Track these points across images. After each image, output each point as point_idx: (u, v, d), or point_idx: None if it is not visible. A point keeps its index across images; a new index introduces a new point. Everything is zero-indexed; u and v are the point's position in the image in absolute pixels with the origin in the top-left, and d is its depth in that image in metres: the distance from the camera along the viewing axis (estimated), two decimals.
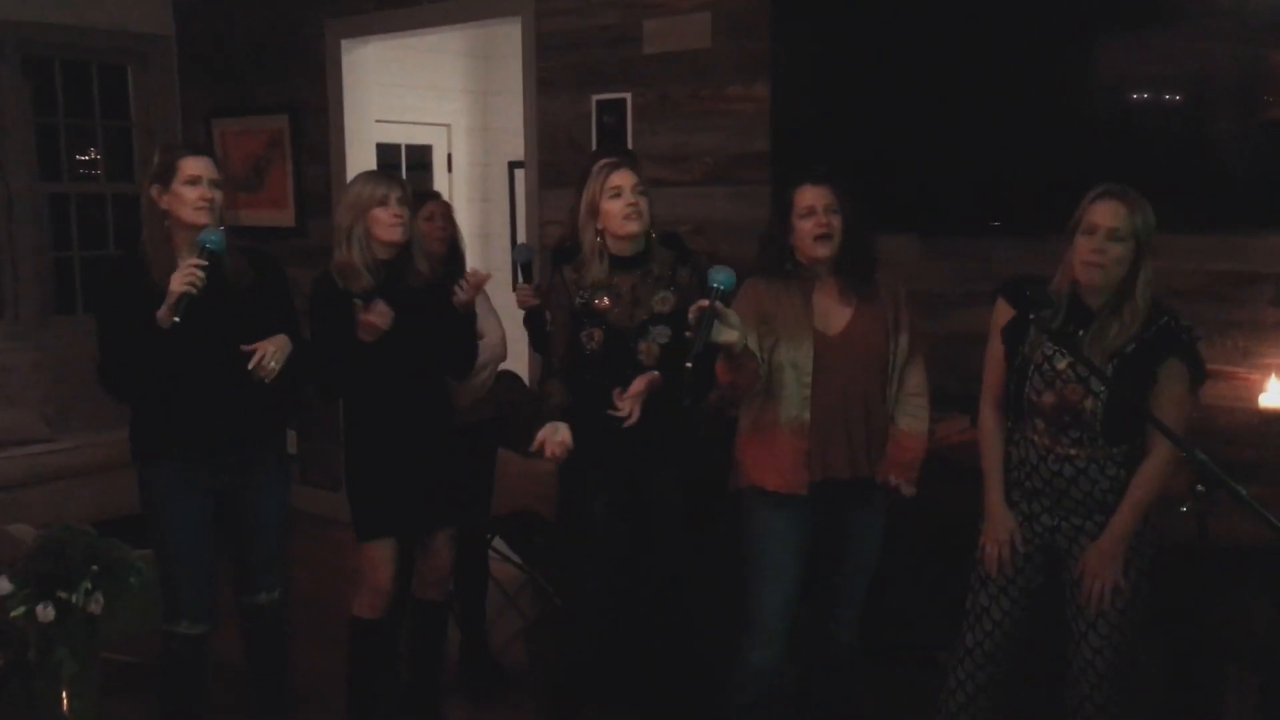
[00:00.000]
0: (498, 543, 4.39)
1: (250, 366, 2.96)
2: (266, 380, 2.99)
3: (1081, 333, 2.59)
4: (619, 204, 3.08)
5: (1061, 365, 2.62)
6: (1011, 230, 3.62)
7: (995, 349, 2.79)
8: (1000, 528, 2.77)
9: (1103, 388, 2.55)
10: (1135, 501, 2.62)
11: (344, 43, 5.54)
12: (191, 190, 2.98)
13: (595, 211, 3.11)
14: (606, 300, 3.12)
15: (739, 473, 3.01)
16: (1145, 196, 2.58)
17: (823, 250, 2.85)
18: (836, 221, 2.85)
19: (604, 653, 3.51)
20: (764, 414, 2.92)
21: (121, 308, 3.00)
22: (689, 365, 2.55)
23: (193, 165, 3.00)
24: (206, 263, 2.87)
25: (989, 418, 2.83)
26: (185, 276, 2.84)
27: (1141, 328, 2.56)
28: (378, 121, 5.84)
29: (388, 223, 3.16)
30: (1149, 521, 2.67)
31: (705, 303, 2.56)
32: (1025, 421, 2.72)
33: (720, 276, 2.58)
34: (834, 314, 2.90)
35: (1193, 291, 3.41)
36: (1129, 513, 2.62)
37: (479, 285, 3.24)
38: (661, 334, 3.14)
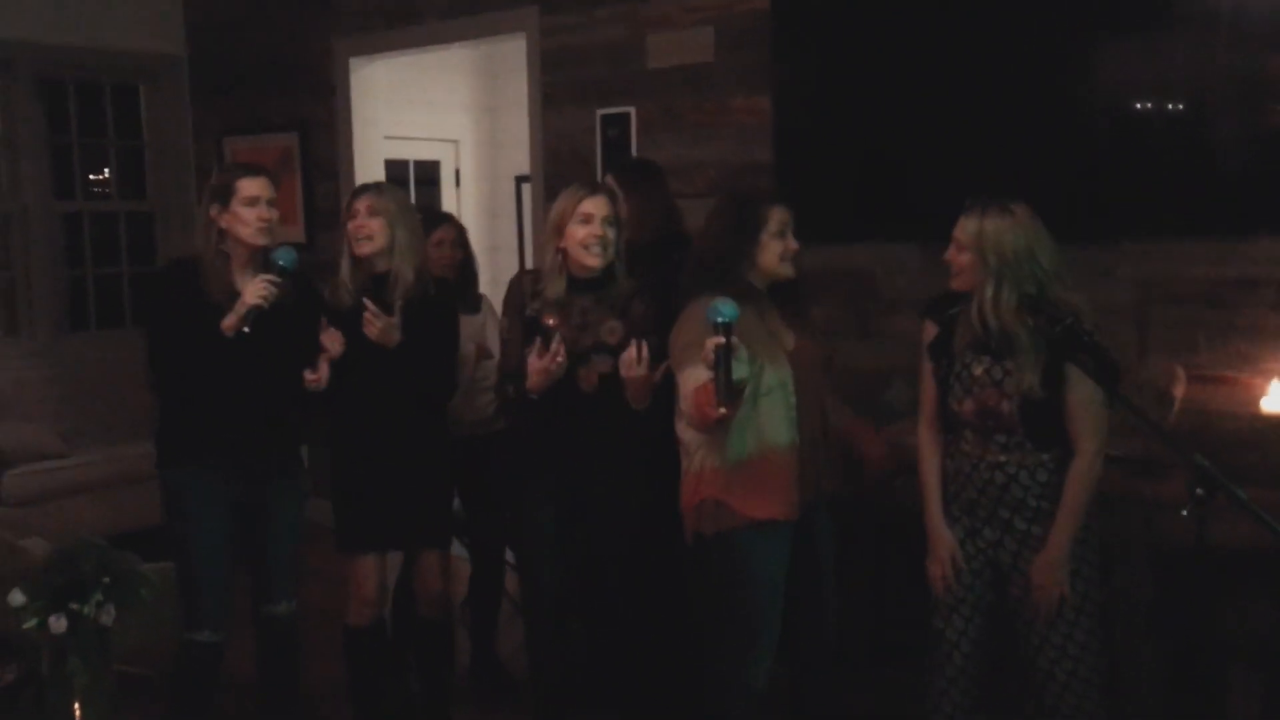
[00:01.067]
0: (506, 554, 4.41)
1: (225, 323, 2.98)
2: (245, 327, 2.97)
3: (992, 341, 2.66)
4: (584, 231, 3.01)
5: (978, 371, 2.67)
6: None
7: (925, 367, 2.84)
8: (940, 545, 2.80)
9: (1016, 391, 2.61)
10: (1069, 508, 2.64)
11: (352, 61, 5.60)
12: (250, 210, 3.05)
13: (560, 231, 3.05)
14: (552, 320, 2.98)
15: (722, 513, 2.82)
16: (1141, 201, 2.62)
17: (788, 270, 2.88)
18: (795, 244, 2.89)
19: (589, 656, 3.52)
20: (752, 443, 2.79)
21: (177, 309, 3.07)
22: (724, 411, 2.51)
23: (250, 186, 3.07)
24: (279, 280, 2.96)
25: (923, 436, 2.87)
26: (259, 290, 2.94)
27: (1048, 327, 2.56)
28: (386, 138, 5.90)
29: (352, 234, 3.23)
30: (1089, 525, 2.70)
31: (720, 340, 2.46)
32: (957, 434, 2.76)
33: (726, 310, 2.48)
34: (783, 332, 2.89)
35: (1193, 296, 3.43)
36: (1065, 520, 2.65)
37: (370, 322, 3.14)
38: (603, 363, 3.03)
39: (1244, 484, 2.69)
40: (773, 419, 2.80)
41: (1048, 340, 2.58)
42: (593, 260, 3.02)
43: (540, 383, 2.96)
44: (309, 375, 3.11)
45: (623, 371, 2.88)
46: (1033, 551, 2.68)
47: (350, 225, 3.24)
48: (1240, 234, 3.33)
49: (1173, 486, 3.00)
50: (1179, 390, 3.24)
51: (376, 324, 3.10)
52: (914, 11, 3.78)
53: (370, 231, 3.22)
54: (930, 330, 2.82)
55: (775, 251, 2.84)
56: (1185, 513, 2.60)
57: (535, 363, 2.93)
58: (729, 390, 2.48)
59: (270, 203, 3.09)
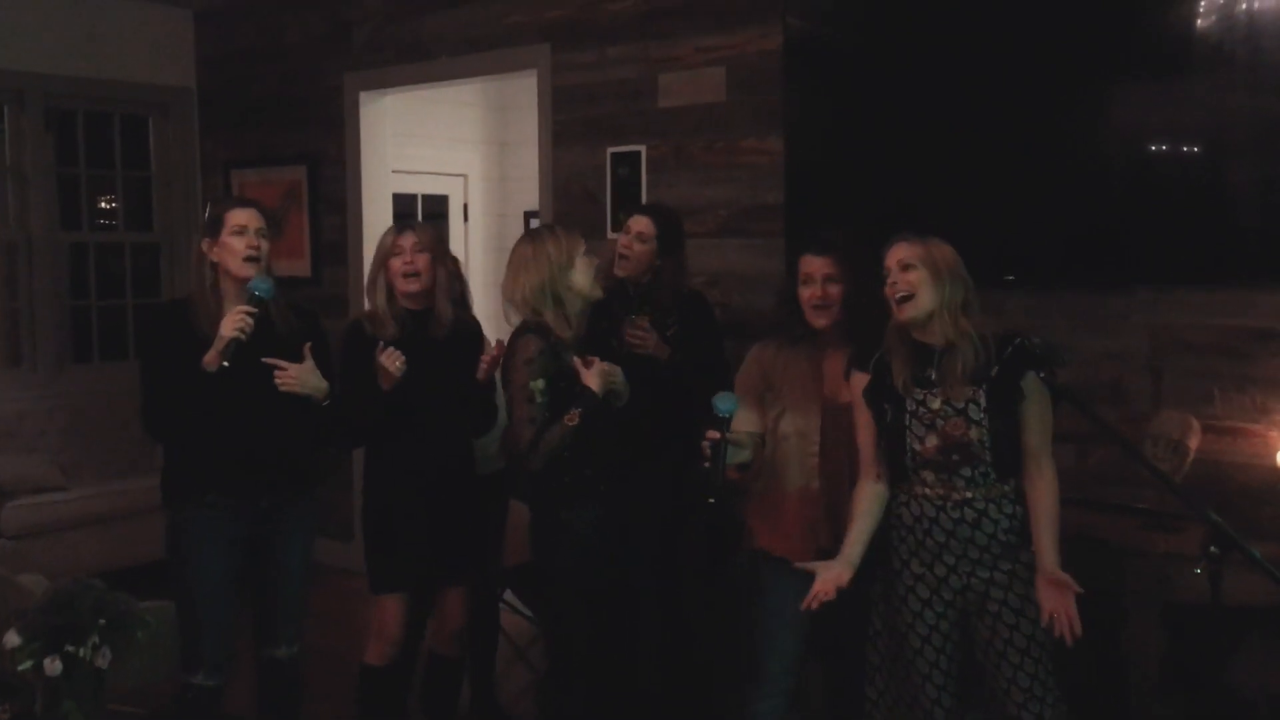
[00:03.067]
0: (508, 595, 4.37)
1: (276, 380, 2.99)
2: (224, 361, 2.93)
3: (931, 372, 2.65)
4: (398, 262, 3.25)
5: (936, 405, 2.63)
6: (1025, 283, 3.61)
7: (862, 417, 2.77)
8: (840, 566, 2.66)
9: (982, 415, 2.60)
10: (1051, 517, 2.63)
11: (362, 95, 5.61)
12: (238, 240, 3.03)
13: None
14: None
15: (748, 535, 3.01)
16: (1156, 249, 2.61)
17: (820, 320, 2.87)
18: (835, 291, 2.85)
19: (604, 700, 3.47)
20: (769, 482, 2.93)
21: (168, 352, 3.05)
22: (712, 501, 2.61)
23: (239, 216, 3.06)
24: (255, 310, 2.93)
25: (861, 488, 2.75)
26: (235, 322, 2.90)
27: (997, 350, 2.63)
28: (394, 172, 5.90)
29: (400, 272, 3.22)
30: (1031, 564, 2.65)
31: (716, 434, 2.63)
32: (911, 479, 2.69)
33: (725, 405, 2.66)
34: (843, 383, 2.87)
35: (1208, 346, 3.40)
36: (1049, 530, 2.62)
37: (497, 360, 3.25)
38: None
39: (1259, 538, 2.67)
40: (786, 464, 2.88)
41: (999, 357, 2.62)
42: (411, 286, 3.23)
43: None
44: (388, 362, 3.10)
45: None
46: (1000, 589, 2.64)
47: (396, 262, 3.23)
48: (1257, 284, 3.31)
49: (1186, 539, 2.97)
50: (1193, 441, 3.20)
51: (398, 358, 3.10)
52: (927, 54, 3.78)
53: (419, 268, 3.23)
54: (859, 381, 2.76)
55: (804, 301, 2.88)
56: (1200, 570, 2.58)
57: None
58: (722, 483, 2.63)
59: (259, 233, 3.07)
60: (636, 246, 3.58)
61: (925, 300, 2.63)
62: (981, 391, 2.62)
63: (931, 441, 2.64)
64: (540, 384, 3.01)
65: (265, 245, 3.08)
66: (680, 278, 3.71)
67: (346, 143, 5.69)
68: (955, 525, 2.64)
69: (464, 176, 7.08)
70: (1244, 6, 3.24)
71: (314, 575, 3.38)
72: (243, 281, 3.02)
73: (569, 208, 4.83)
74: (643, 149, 4.58)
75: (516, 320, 3.14)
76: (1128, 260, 3.46)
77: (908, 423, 2.66)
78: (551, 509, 3.13)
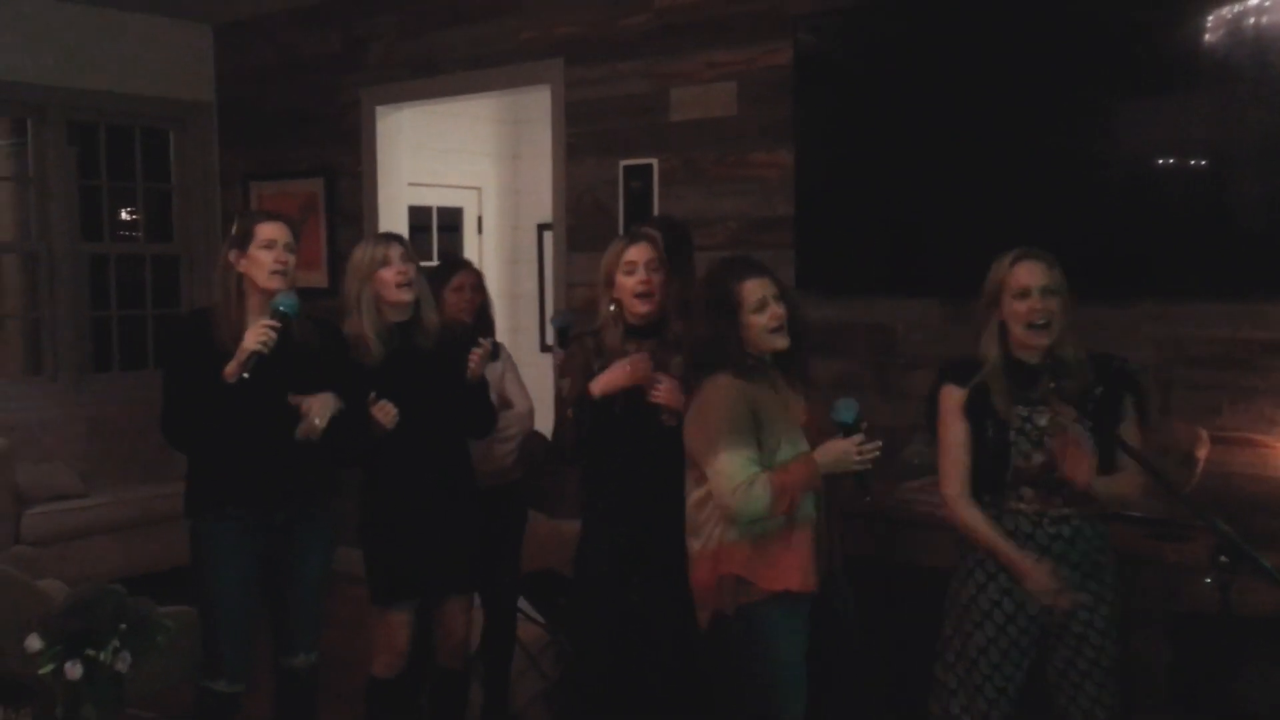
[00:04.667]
0: (521, 603, 4.39)
1: (298, 434, 3.02)
2: (314, 438, 3.03)
3: (1035, 390, 2.68)
4: (632, 280, 3.06)
5: (1043, 422, 2.66)
6: None
7: (956, 432, 2.75)
8: (1036, 564, 2.66)
9: (1087, 434, 2.61)
10: (1117, 479, 2.65)
11: (379, 109, 5.68)
12: (267, 254, 3.05)
13: (611, 283, 3.11)
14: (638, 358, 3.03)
15: (743, 589, 2.75)
16: (1164, 261, 2.68)
17: (781, 342, 2.78)
18: (783, 311, 2.78)
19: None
20: (779, 517, 2.72)
21: (189, 363, 3.07)
22: (869, 500, 2.76)
23: (269, 230, 3.07)
24: (279, 324, 2.96)
25: (964, 502, 2.75)
26: (258, 335, 2.93)
27: (1098, 370, 2.67)
28: (410, 185, 5.96)
29: (393, 282, 3.21)
30: (1117, 586, 2.71)
31: (860, 439, 2.65)
32: (1006, 495, 2.71)
33: (849, 414, 2.66)
34: (794, 404, 2.83)
35: (1217, 359, 3.41)
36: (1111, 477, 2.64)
37: (484, 358, 3.28)
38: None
39: (1269, 549, 2.67)
40: None
41: (1102, 377, 2.66)
42: (643, 307, 3.07)
43: (619, 381, 3.01)
44: (381, 416, 3.13)
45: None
46: (1087, 611, 2.66)
47: (388, 273, 3.21)
48: (1265, 296, 3.33)
49: (1194, 549, 2.97)
50: (1202, 452, 3.21)
51: (393, 415, 3.14)
52: (936, 69, 3.81)
53: (410, 276, 3.24)
54: (954, 394, 2.76)
55: (760, 327, 2.76)
56: (1209, 580, 2.59)
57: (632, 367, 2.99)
58: (868, 483, 2.69)
59: (288, 247, 3.09)
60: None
61: (1057, 328, 2.65)
62: (1087, 410, 2.65)
63: (1038, 459, 2.65)
64: (565, 382, 3.10)
65: (292, 260, 3.11)
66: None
67: (363, 156, 5.75)
68: (1051, 541, 2.66)
69: (478, 189, 7.14)
70: (1251, 21, 3.26)
71: (333, 584, 3.41)
72: (268, 295, 3.05)
73: (581, 220, 4.88)
74: (655, 162, 4.63)
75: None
76: (1136, 273, 3.48)
77: (1013, 439, 2.67)
78: (594, 518, 3.19)
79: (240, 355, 2.94)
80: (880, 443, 2.66)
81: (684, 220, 3.99)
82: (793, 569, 2.74)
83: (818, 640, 2.84)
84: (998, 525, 2.73)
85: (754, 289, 2.76)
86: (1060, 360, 2.66)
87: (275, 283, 3.06)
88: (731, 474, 2.64)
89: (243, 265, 3.08)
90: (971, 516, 2.75)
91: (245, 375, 2.93)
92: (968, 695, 2.77)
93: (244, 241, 3.08)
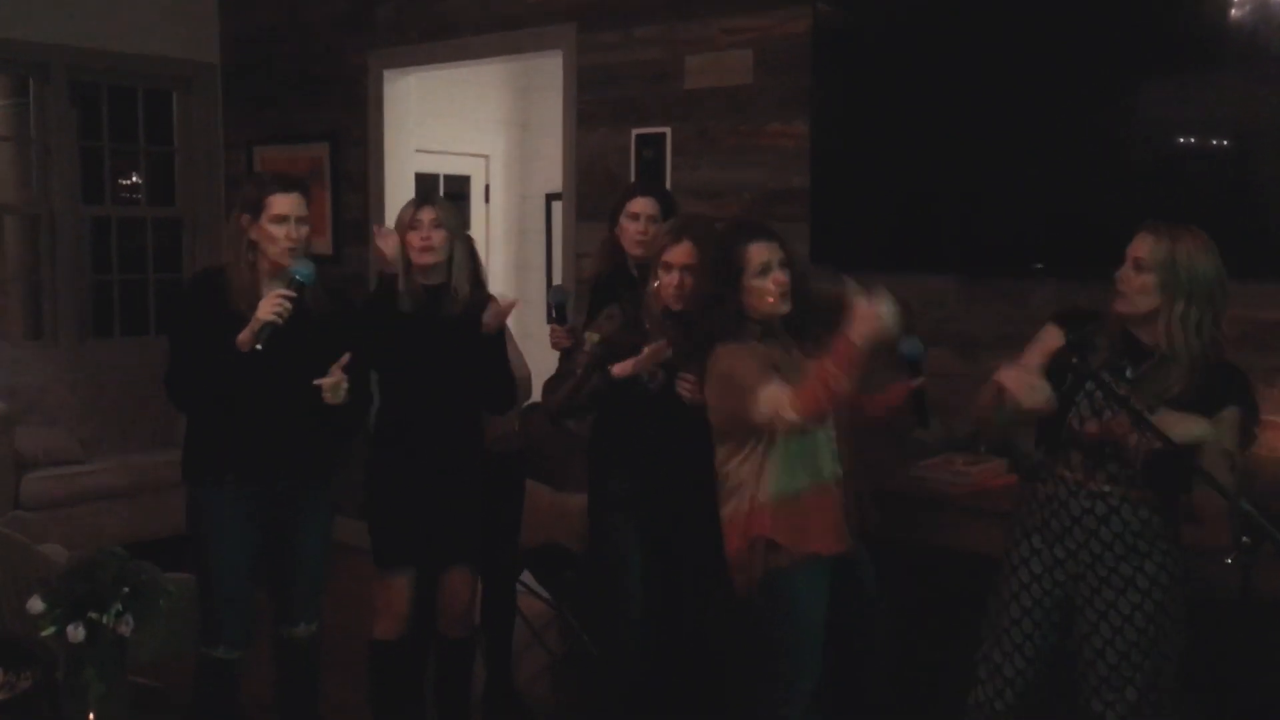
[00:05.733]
0: (525, 577, 4.36)
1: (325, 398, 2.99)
2: (336, 401, 3.00)
3: (1129, 372, 2.56)
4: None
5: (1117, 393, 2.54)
6: (1054, 273, 3.59)
7: (1031, 356, 2.68)
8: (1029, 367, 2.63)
9: (1151, 429, 2.48)
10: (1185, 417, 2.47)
11: (386, 73, 5.60)
12: (279, 228, 3.00)
13: (658, 263, 3.11)
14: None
15: (771, 552, 2.76)
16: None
17: (784, 306, 2.77)
18: (786, 276, 2.77)
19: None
20: (804, 478, 2.76)
21: (199, 325, 3.04)
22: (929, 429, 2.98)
23: (282, 203, 3.02)
24: (294, 294, 2.91)
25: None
26: (273, 306, 2.88)
27: (1209, 380, 2.51)
28: (417, 151, 5.89)
29: (416, 245, 3.21)
30: (1179, 576, 2.61)
31: (913, 384, 2.85)
32: (1058, 454, 2.66)
33: (913, 349, 2.85)
34: (804, 366, 2.78)
35: (1238, 339, 3.33)
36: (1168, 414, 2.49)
37: (506, 311, 3.29)
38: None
39: None
40: (822, 452, 2.80)
41: (1209, 387, 2.50)
42: (675, 305, 3.04)
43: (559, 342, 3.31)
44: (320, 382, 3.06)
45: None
46: (1113, 591, 2.60)
47: (413, 235, 3.22)
48: None
49: (1216, 531, 2.93)
50: None
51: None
52: (957, 40, 3.75)
53: (434, 243, 3.22)
54: (1053, 334, 2.67)
55: (762, 292, 2.75)
56: (1230, 560, 2.55)
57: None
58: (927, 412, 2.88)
59: (300, 220, 3.05)
60: (650, 229, 3.42)
61: (1143, 305, 2.52)
62: (1170, 401, 2.50)
63: (1091, 427, 2.59)
64: (596, 338, 3.09)
65: (305, 232, 3.06)
66: None
67: (369, 121, 5.68)
68: (1082, 514, 2.62)
69: (486, 157, 7.07)
70: None
71: (336, 555, 3.39)
72: (281, 265, 3.01)
73: (592, 189, 4.81)
74: (668, 131, 4.56)
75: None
76: None
77: (1078, 398, 2.61)
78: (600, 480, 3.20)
79: (254, 325, 2.89)
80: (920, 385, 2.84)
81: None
82: (821, 531, 2.76)
83: (838, 610, 2.84)
84: (1030, 486, 2.74)
85: (759, 252, 2.75)
86: (1164, 352, 2.52)
87: (286, 259, 3.01)
88: (778, 391, 2.62)
89: (254, 233, 3.03)
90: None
91: (259, 346, 2.88)
92: (989, 644, 2.79)
93: (256, 210, 3.03)
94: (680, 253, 3.03)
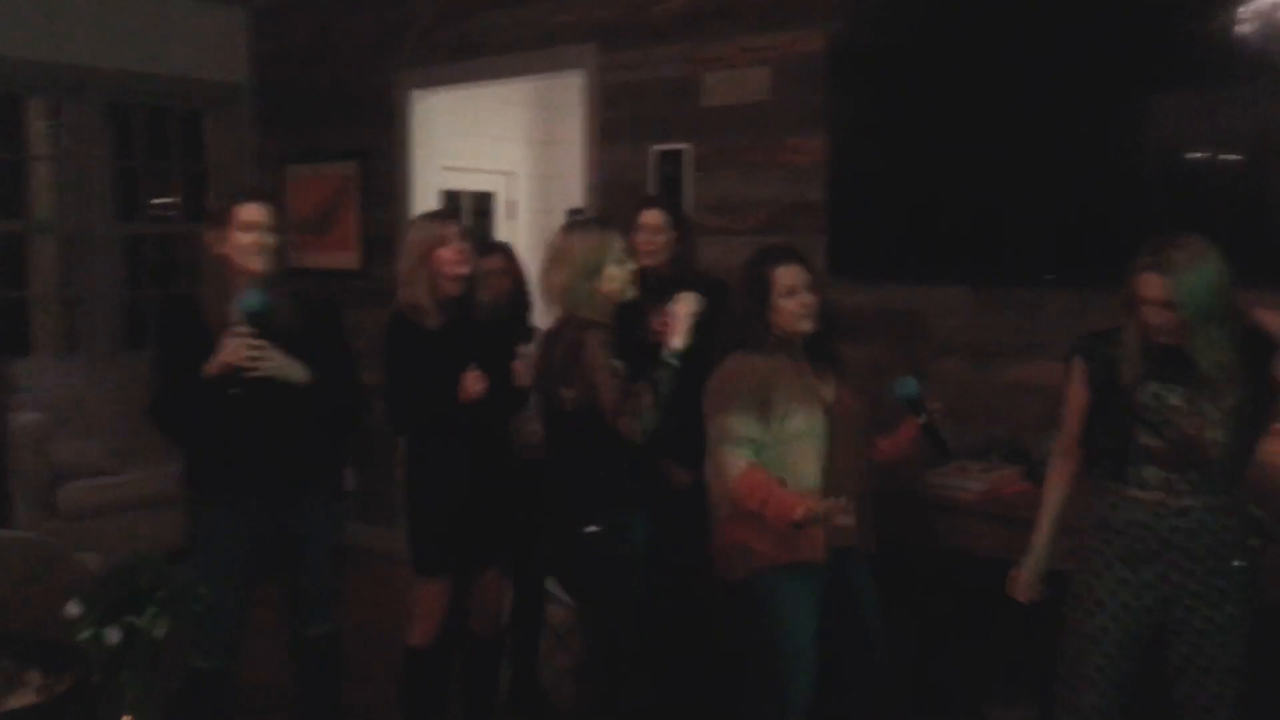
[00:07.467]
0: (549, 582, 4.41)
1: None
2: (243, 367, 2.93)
3: (1172, 368, 2.53)
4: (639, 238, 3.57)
5: (1175, 400, 2.52)
6: (1066, 283, 3.63)
7: (1075, 397, 2.70)
8: (1028, 570, 2.78)
9: (1224, 417, 2.47)
10: None
11: (415, 92, 5.70)
12: (246, 235, 2.99)
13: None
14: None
15: (747, 558, 2.92)
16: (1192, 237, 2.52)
17: (807, 325, 2.95)
18: (815, 298, 2.96)
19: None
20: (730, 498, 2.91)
21: (175, 349, 3.06)
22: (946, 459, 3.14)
23: (248, 212, 3.01)
24: (257, 333, 2.90)
25: (1057, 463, 2.79)
26: (235, 353, 2.87)
27: (1252, 349, 2.49)
28: (444, 169, 5.98)
29: (452, 260, 3.27)
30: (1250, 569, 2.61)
31: (918, 423, 2.97)
32: (1128, 474, 2.59)
33: (910, 389, 2.96)
34: (822, 385, 2.97)
35: None
36: None
37: (528, 370, 3.34)
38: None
39: None
40: (801, 464, 2.88)
41: (1254, 356, 2.49)
42: (645, 261, 3.41)
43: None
44: (471, 385, 3.19)
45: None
46: (1209, 606, 2.55)
47: (448, 252, 3.27)
48: None
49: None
50: None
51: (483, 382, 3.21)
52: (969, 56, 3.80)
53: (465, 257, 3.30)
54: (1079, 365, 2.69)
55: (788, 311, 2.93)
56: (1237, 564, 2.58)
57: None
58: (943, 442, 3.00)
59: (269, 229, 3.02)
60: (657, 240, 3.68)
61: (1175, 336, 2.49)
62: (1230, 391, 2.48)
63: (1165, 437, 2.52)
64: (619, 363, 3.09)
65: (275, 241, 3.03)
66: (697, 263, 3.82)
67: (398, 139, 5.78)
68: (1171, 533, 2.54)
69: (510, 174, 7.16)
70: None
71: (359, 560, 3.44)
72: (252, 277, 3.00)
73: (614, 205, 4.88)
74: (687, 147, 4.63)
75: (555, 311, 3.19)
76: None
77: (1139, 415, 2.55)
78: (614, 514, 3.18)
79: (224, 367, 2.89)
80: (926, 421, 2.96)
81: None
82: (796, 541, 2.83)
83: (831, 624, 2.90)
84: (1059, 505, 2.78)
85: (785, 275, 2.95)
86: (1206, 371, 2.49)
87: (255, 265, 3.00)
88: (737, 460, 2.84)
89: (222, 247, 3.03)
90: (1049, 483, 2.82)
91: (236, 391, 2.88)
92: (1070, 687, 2.70)
93: (222, 222, 3.03)
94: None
